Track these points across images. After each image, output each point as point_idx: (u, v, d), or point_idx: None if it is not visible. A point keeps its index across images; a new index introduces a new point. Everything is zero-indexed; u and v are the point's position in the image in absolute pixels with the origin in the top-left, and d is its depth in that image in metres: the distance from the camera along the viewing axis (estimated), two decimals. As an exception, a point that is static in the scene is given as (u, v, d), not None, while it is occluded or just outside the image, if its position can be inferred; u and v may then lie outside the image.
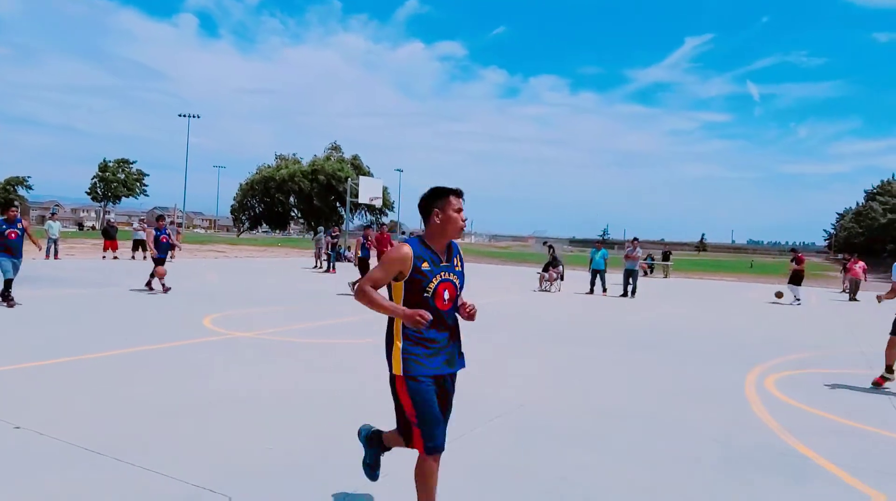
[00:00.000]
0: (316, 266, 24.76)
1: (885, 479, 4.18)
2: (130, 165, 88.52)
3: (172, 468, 3.76)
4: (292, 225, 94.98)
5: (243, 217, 76.20)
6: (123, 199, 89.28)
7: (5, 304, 10.03)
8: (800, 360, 8.74)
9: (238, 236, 78.71)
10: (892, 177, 75.95)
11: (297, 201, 71.92)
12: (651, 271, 31.23)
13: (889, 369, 6.89)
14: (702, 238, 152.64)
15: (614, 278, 20.06)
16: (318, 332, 9.14)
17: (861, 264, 21.89)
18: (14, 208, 10.59)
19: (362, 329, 9.55)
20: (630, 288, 17.73)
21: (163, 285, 13.28)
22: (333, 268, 23.04)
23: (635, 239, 18.69)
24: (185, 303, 11.86)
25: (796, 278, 18.39)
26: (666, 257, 33.79)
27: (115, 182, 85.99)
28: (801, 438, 4.98)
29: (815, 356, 9.21)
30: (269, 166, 73.71)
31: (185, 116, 65.70)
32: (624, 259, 18.39)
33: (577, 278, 22.59)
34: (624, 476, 4.05)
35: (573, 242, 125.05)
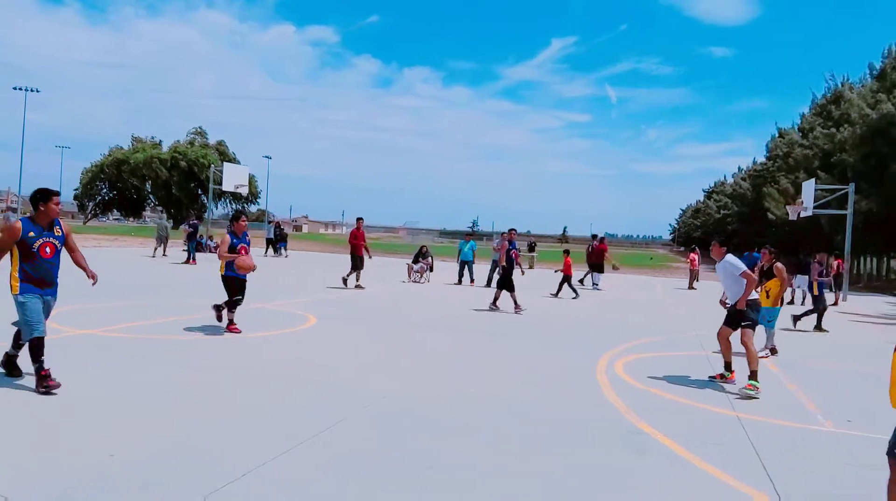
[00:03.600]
0: (154, 255, 23.87)
1: (712, 449, 4.64)
2: (-48, 143, 77.95)
3: (-7, 483, 3.36)
4: (149, 212, 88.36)
5: (90, 203, 69.87)
6: (-57, 181, 78.54)
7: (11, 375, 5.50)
8: (644, 344, 9.49)
9: (85, 223, 72.03)
10: (724, 178, 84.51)
11: (154, 188, 67.10)
12: (517, 263, 32.48)
13: (727, 366, 6.98)
14: (564, 231, 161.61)
15: (482, 268, 20.67)
16: (172, 328, 8.58)
17: (698, 256, 24.21)
18: (57, 197, 5.41)
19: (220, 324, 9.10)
20: (497, 278, 18.37)
21: (230, 320, 8.33)
22: (193, 259, 21.77)
23: (504, 232, 19.63)
24: (17, 298, 10.65)
25: (598, 266, 20.03)
26: (531, 248, 35.33)
27: (-68, 161, 75.34)
28: (643, 416, 5.41)
29: (658, 340, 10.05)
30: (122, 149, 68.11)
31: (21, 89, 58.84)
32: (493, 250, 19.10)
33: (447, 269, 22.99)
34: (485, 461, 4.18)
35: (444, 233, 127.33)
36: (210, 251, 29.33)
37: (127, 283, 14.10)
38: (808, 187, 25.28)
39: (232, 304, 8.36)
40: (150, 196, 69.76)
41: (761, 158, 56.16)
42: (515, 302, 12.40)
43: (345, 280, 15.43)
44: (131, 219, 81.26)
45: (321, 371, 6.52)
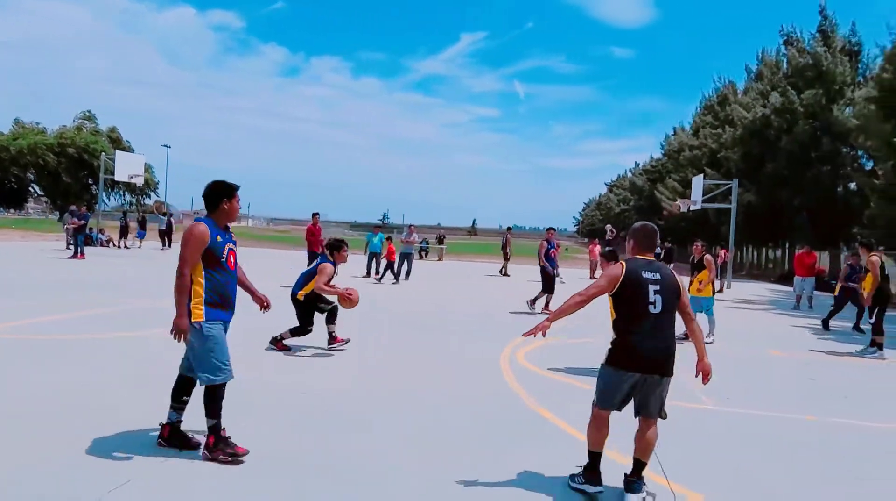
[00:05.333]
0: (67, 248, 22.63)
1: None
2: None
3: None
4: (32, 204, 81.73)
5: (-37, 195, 63.72)
6: None
7: (215, 453, 3.90)
8: (547, 333, 9.82)
9: (-44, 215, 65.71)
10: (625, 172, 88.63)
11: (39, 177, 62.11)
12: (426, 255, 32.73)
13: None
14: (473, 223, 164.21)
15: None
16: (59, 326, 8.02)
17: (598, 247, 25.35)
18: (237, 194, 4.15)
19: (111, 322, 8.61)
20: (405, 271, 18.46)
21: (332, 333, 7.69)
22: (82, 253, 20.40)
23: (412, 225, 20.15)
24: None
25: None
26: (440, 240, 35.64)
27: None
28: (542, 402, 5.62)
29: (561, 329, 10.40)
30: (1, 134, 62.53)
31: None
32: (401, 243, 19.17)
33: (357, 261, 22.77)
34: (388, 453, 4.20)
35: (354, 226, 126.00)
36: (102, 245, 27.56)
37: (12, 280, 13.02)
38: (697, 183, 27.01)
39: (334, 317, 7.61)
40: (34, 186, 64.59)
41: (658, 155, 59.41)
42: (547, 303, 12.28)
43: None
44: (12, 211, 74.88)
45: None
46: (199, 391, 3.99)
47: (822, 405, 6.26)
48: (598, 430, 3.74)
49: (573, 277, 24.49)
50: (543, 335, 3.81)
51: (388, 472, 3.89)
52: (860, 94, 23.68)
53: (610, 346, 3.74)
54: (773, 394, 6.63)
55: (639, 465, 3.72)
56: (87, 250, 21.44)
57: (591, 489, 3.70)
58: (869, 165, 26.09)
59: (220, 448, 3.85)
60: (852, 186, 28.06)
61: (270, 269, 19.16)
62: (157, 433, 4.12)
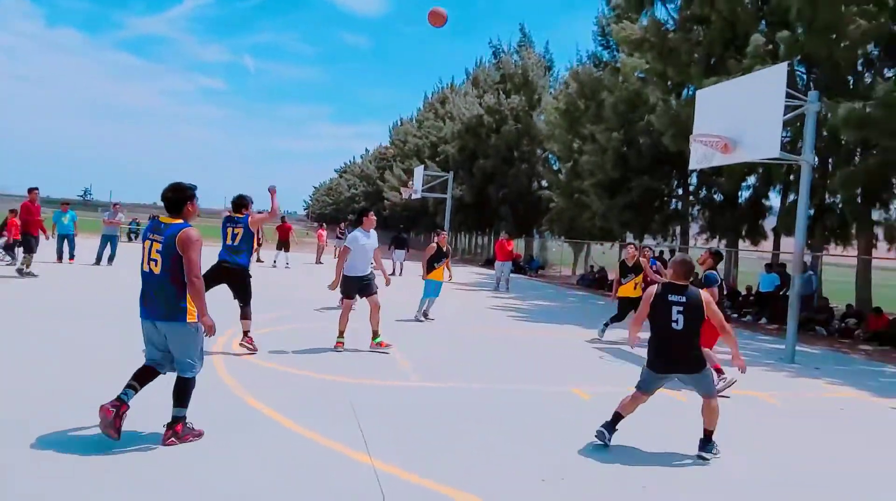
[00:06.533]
0: None
1: (316, 416, 4.89)
2: None
3: None
4: None
5: None
6: None
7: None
8: (267, 320, 9.53)
9: None
10: (354, 159, 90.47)
11: None
12: (136, 238, 29.56)
13: (342, 333, 7.57)
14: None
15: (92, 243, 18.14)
16: None
17: (324, 233, 25.56)
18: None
19: None
20: (108, 255, 16.40)
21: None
22: None
23: (117, 203, 17.97)
24: None
25: (284, 245, 21.13)
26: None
27: None
28: (252, 391, 5.42)
29: (282, 315, 10.21)
30: None
31: None
32: (103, 224, 16.96)
33: (45, 245, 19.47)
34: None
35: (48, 202, 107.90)
36: None
37: None
38: (418, 173, 28.80)
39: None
40: None
41: (386, 143, 61.95)
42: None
43: (21, 270, 12.64)
44: None
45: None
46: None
47: (518, 374, 7.12)
48: (632, 402, 4.68)
49: (297, 261, 24.30)
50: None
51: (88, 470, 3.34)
52: (550, 104, 27.56)
53: (648, 354, 4.69)
54: (477, 367, 7.33)
55: (706, 433, 4.60)
56: None
57: (604, 436, 4.57)
58: (556, 166, 30.52)
59: (188, 433, 4.18)
60: (544, 183, 32.58)
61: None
62: None
